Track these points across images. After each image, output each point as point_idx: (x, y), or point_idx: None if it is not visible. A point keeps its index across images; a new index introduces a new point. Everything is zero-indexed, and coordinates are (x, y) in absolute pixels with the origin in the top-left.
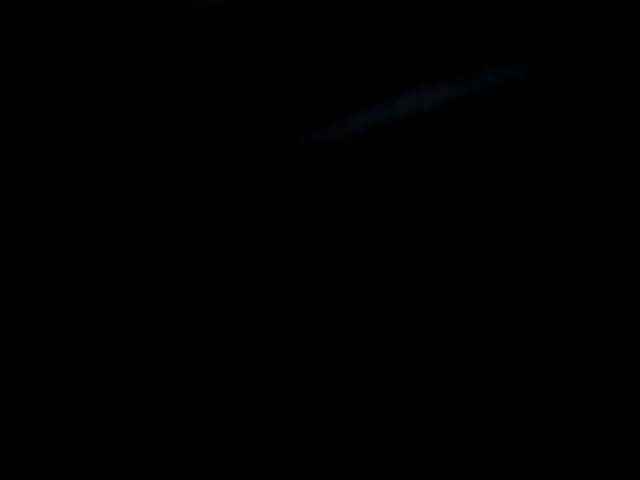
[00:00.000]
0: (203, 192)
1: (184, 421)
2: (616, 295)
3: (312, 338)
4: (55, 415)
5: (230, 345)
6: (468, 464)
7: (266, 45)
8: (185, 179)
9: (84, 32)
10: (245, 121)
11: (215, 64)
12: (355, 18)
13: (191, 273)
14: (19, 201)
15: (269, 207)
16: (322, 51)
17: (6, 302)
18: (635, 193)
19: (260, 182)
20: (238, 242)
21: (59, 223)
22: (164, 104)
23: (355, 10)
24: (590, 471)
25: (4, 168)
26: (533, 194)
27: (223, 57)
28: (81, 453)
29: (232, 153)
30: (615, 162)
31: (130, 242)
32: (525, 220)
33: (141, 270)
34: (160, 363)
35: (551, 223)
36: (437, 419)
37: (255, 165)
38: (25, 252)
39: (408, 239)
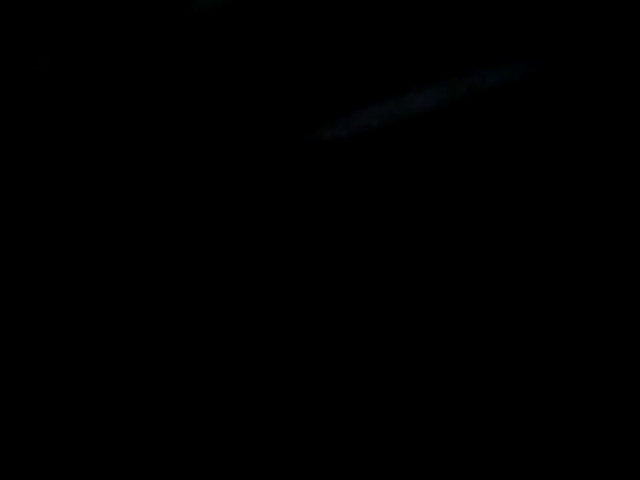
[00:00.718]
0: (206, 190)
1: (184, 421)
2: (616, 295)
3: (313, 336)
4: (55, 415)
5: (231, 345)
6: (468, 464)
7: (268, 43)
8: (187, 178)
9: (85, 31)
10: (248, 118)
11: (217, 62)
12: (355, 18)
13: (193, 272)
14: (19, 201)
15: (272, 205)
16: (324, 49)
17: (6, 302)
18: (634, 194)
19: (262, 180)
20: (241, 240)
21: (59, 223)
22: (166, 102)
23: (355, 10)
24: (590, 471)
25: (4, 167)
26: (533, 194)
27: (225, 55)
28: (81, 453)
29: (234, 151)
30: (614, 162)
31: (132, 241)
32: (525, 220)
33: (143, 269)
34: (160, 363)
35: (552, 223)
36: (437, 419)
37: (258, 162)
38: (25, 252)
39: (409, 238)
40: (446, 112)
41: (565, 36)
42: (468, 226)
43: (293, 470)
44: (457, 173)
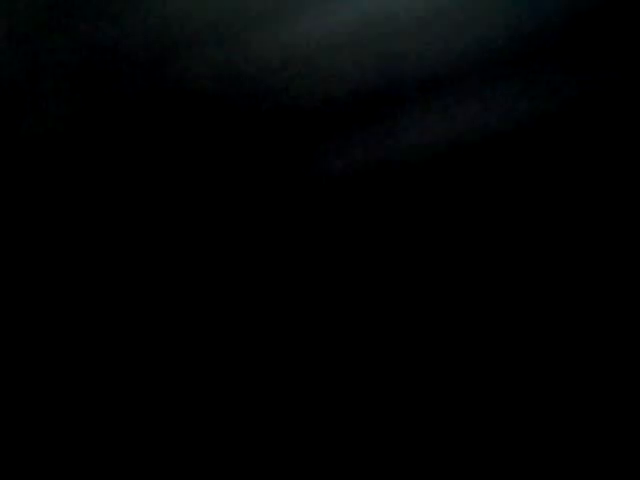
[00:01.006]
0: (214, 222)
1: (184, 421)
2: (616, 300)
3: (311, 345)
4: (55, 415)
5: (230, 348)
6: (468, 464)
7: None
8: (200, 204)
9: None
10: (254, 152)
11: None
12: (359, 38)
13: (197, 289)
14: (20, 206)
15: (277, 235)
16: (329, 78)
17: (6, 302)
18: (636, 206)
19: (269, 211)
20: (248, 269)
21: (60, 235)
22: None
23: (360, 28)
24: (590, 471)
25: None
26: (535, 207)
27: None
28: (81, 453)
29: (241, 184)
30: (617, 176)
31: (136, 263)
32: (527, 229)
33: (147, 284)
34: (160, 363)
35: (555, 230)
36: (437, 419)
37: (264, 194)
38: (26, 253)
39: (408, 266)
40: (450, 146)
41: (570, 51)
42: (471, 241)
43: (293, 470)
44: (464, 203)
